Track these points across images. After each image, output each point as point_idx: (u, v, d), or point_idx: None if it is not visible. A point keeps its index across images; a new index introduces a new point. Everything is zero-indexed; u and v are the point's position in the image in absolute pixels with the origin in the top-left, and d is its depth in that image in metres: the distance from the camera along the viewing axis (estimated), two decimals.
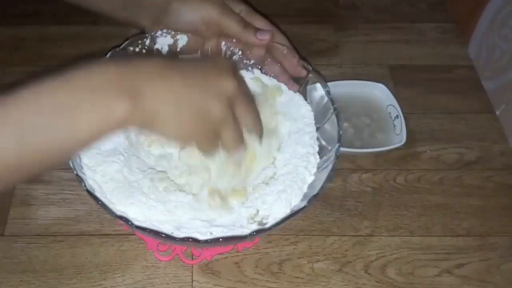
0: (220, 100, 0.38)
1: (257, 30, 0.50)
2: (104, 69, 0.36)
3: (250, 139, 0.44)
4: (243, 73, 0.54)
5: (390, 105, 0.57)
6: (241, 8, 0.51)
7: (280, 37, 0.52)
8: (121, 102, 0.35)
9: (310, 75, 0.51)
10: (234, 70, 0.41)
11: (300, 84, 0.53)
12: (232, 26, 0.50)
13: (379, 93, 0.58)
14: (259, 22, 0.51)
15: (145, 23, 0.53)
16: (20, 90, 0.34)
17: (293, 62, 0.52)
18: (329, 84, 0.51)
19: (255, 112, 0.43)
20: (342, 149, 0.47)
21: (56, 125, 0.34)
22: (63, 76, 0.34)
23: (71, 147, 0.36)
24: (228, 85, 0.39)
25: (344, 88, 0.58)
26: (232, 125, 0.40)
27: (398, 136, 0.55)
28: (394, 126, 0.56)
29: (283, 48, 0.52)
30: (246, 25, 0.50)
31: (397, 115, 0.56)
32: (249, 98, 0.42)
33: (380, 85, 0.58)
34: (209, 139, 0.40)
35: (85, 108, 0.34)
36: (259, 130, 0.44)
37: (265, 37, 0.50)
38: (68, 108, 0.34)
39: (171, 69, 0.38)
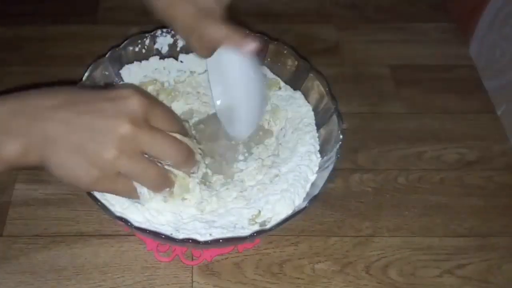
0: (118, 137, 0.35)
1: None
2: None
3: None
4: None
5: None
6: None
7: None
8: (7, 145, 0.35)
9: (311, 74, 0.51)
10: (139, 90, 0.38)
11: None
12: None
13: None
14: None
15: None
16: None
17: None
18: None
19: (172, 139, 0.39)
20: None
21: None
22: None
23: None
24: (130, 105, 0.36)
25: None
26: (132, 166, 0.37)
27: None
28: None
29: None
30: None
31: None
32: (165, 116, 0.39)
33: None
34: (110, 183, 0.38)
35: None
36: (183, 159, 0.40)
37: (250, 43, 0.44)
38: None
39: (62, 108, 0.36)
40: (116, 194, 0.41)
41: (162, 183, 0.40)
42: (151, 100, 0.38)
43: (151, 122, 0.37)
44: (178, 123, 0.41)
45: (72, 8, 0.67)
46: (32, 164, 0.36)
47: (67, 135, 0.35)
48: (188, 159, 0.41)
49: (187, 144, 0.40)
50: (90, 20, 0.67)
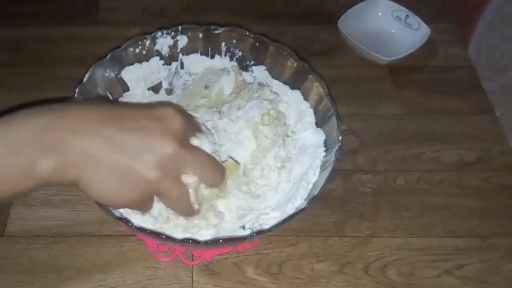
0: (163, 157, 0.34)
1: None
2: (27, 121, 0.33)
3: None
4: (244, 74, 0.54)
5: (395, 10, 0.66)
6: None
7: None
8: (41, 161, 0.32)
9: (310, 75, 0.51)
10: (178, 108, 0.37)
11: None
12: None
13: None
14: None
15: None
16: None
17: None
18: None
19: (211, 159, 0.39)
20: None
21: None
22: None
23: None
24: (175, 124, 0.36)
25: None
26: (173, 189, 0.36)
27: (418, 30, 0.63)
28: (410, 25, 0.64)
29: None
30: None
31: (407, 15, 0.65)
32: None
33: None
34: (144, 203, 0.37)
35: (2, 167, 0.32)
36: (220, 179, 0.40)
37: None
38: None
39: (104, 123, 0.34)
40: (141, 212, 0.40)
41: (192, 211, 0.39)
42: (190, 118, 0.38)
43: (190, 141, 0.38)
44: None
45: (73, 9, 0.67)
46: (66, 183, 0.33)
47: (110, 153, 0.33)
48: (222, 178, 0.40)
49: (220, 162, 0.40)
50: (90, 21, 0.67)
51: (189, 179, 0.37)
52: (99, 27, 0.67)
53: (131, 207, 0.38)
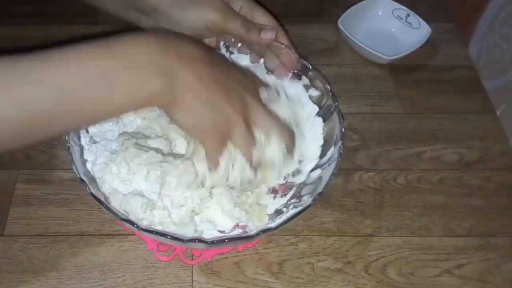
0: (239, 105, 0.40)
1: (260, 29, 0.50)
2: (145, 45, 0.37)
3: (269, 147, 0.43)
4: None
5: (396, 9, 0.66)
6: (242, 3, 0.51)
7: (281, 36, 0.52)
8: (153, 80, 0.37)
9: (310, 73, 0.51)
10: (256, 87, 0.43)
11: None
12: (236, 30, 0.49)
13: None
14: (261, 17, 0.51)
15: (147, 27, 0.53)
16: (66, 50, 0.36)
17: (291, 60, 0.52)
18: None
19: (274, 119, 0.43)
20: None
21: (92, 90, 0.35)
22: (107, 44, 0.37)
23: (102, 113, 0.37)
24: (249, 95, 0.41)
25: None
26: (244, 127, 0.41)
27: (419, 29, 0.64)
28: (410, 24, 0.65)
29: (282, 47, 0.52)
30: (249, 27, 0.50)
31: (408, 14, 0.65)
32: (267, 112, 0.43)
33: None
34: (218, 139, 0.41)
35: (120, 80, 0.36)
36: (280, 135, 0.43)
37: (268, 37, 0.50)
38: (106, 77, 0.35)
39: (206, 63, 0.39)
40: (209, 154, 0.42)
41: (216, 165, 0.42)
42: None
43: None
44: None
45: (73, 9, 0.67)
46: (167, 104, 0.38)
47: (207, 90, 0.39)
48: (293, 144, 0.45)
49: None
50: (90, 21, 0.67)
51: (260, 134, 0.42)
52: (99, 27, 0.66)
53: (205, 139, 0.41)
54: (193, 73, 0.38)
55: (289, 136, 0.44)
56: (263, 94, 0.44)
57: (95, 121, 0.43)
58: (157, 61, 0.37)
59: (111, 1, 0.52)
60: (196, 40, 0.41)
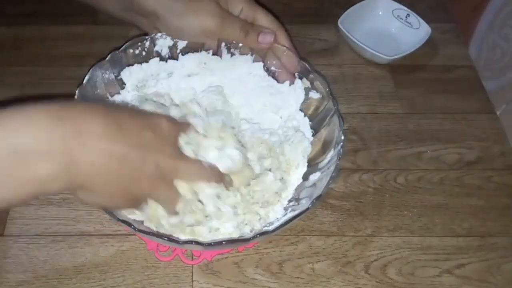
0: (152, 170, 0.38)
1: (259, 33, 0.50)
2: (33, 124, 0.32)
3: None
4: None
5: (396, 9, 0.66)
6: (242, 6, 0.51)
7: (282, 37, 0.52)
8: (43, 167, 0.32)
9: (311, 75, 0.51)
10: (174, 137, 0.40)
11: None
12: (234, 34, 0.49)
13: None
14: (263, 18, 0.51)
15: (147, 29, 0.53)
16: None
17: (293, 62, 0.52)
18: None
19: (197, 168, 0.41)
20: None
21: None
22: None
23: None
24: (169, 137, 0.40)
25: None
26: (163, 187, 0.39)
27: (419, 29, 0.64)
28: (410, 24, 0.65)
29: (283, 49, 0.52)
30: (247, 31, 0.50)
31: (408, 14, 0.65)
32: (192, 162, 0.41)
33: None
34: (135, 204, 0.40)
35: (2, 173, 0.31)
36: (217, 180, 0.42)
37: (267, 40, 0.50)
38: None
39: (110, 132, 0.35)
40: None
41: (173, 212, 0.41)
42: (179, 124, 0.42)
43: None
44: None
45: (73, 9, 0.67)
46: (60, 190, 0.34)
47: (119, 168, 0.36)
48: (220, 178, 0.42)
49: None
50: (90, 21, 0.67)
51: (180, 187, 0.40)
52: (99, 27, 0.66)
53: (122, 208, 0.41)
54: (94, 147, 0.34)
55: (218, 174, 0.42)
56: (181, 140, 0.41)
57: None
58: (48, 142, 0.32)
59: (111, 2, 0.52)
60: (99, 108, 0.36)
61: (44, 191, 0.34)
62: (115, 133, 0.35)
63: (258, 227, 0.45)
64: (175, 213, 0.41)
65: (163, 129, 0.39)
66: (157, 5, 0.49)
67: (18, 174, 0.32)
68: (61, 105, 0.34)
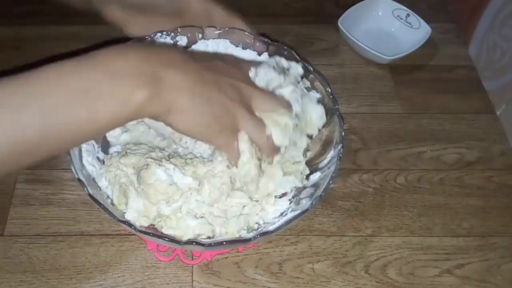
0: (233, 93, 0.40)
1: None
2: (124, 54, 0.36)
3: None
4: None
5: (396, 9, 0.66)
6: (219, 14, 0.52)
7: (241, 25, 0.53)
8: (139, 89, 0.35)
9: (311, 75, 0.51)
10: (245, 71, 0.43)
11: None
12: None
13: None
14: (239, 26, 0.52)
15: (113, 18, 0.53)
16: (44, 69, 0.34)
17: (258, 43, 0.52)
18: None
19: (270, 97, 0.43)
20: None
21: (75, 108, 0.34)
22: (86, 59, 0.35)
23: (90, 130, 0.35)
24: (238, 79, 0.41)
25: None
26: (247, 112, 0.40)
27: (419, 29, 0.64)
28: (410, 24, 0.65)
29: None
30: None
31: (408, 14, 0.66)
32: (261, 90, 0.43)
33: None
34: (226, 134, 0.40)
35: (103, 93, 0.34)
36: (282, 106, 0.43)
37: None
38: (88, 92, 0.34)
39: (189, 61, 0.39)
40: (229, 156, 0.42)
41: (273, 149, 0.43)
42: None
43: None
44: None
45: (73, 9, 0.66)
46: (159, 112, 0.37)
47: (200, 86, 0.38)
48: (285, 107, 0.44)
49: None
50: (90, 21, 0.66)
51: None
52: (99, 27, 0.66)
53: (213, 136, 0.40)
54: (179, 73, 0.37)
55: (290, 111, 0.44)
56: (251, 72, 0.44)
57: (83, 140, 0.40)
58: (139, 68, 0.35)
59: None
60: (174, 46, 0.40)
61: (139, 114, 0.36)
62: (191, 60, 0.39)
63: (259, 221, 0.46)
64: (274, 150, 0.42)
65: (231, 60, 0.44)
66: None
67: (114, 95, 0.34)
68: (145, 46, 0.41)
